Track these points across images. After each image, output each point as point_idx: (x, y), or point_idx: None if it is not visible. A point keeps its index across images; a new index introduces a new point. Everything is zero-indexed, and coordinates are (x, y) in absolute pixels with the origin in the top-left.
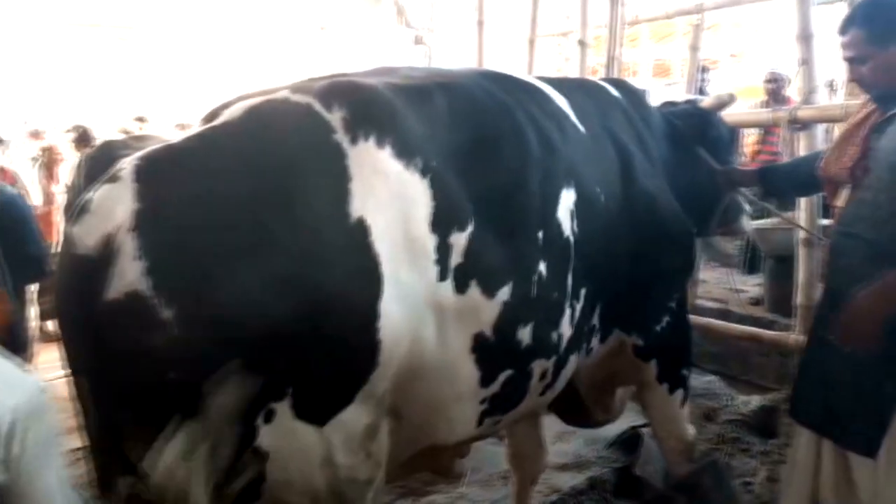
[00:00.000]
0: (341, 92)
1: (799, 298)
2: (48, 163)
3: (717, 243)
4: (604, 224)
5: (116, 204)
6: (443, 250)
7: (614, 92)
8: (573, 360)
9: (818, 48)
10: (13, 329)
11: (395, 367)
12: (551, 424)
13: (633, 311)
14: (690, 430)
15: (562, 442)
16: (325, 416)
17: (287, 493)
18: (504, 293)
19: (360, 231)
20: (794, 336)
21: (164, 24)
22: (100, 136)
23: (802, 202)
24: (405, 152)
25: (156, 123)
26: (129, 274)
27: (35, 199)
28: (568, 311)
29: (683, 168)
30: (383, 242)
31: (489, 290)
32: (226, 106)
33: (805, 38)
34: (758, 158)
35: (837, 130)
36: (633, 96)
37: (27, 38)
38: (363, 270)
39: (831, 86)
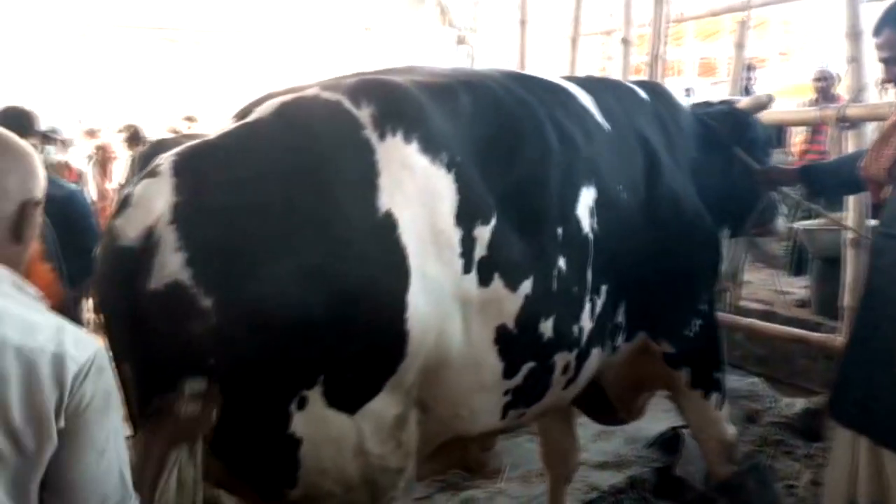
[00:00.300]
0: (370, 89)
1: (846, 300)
2: (102, 161)
3: (762, 244)
4: (625, 222)
5: (156, 197)
6: (467, 243)
7: (643, 94)
8: (596, 355)
9: (867, 46)
10: (67, 314)
11: (422, 358)
12: (591, 423)
13: (661, 315)
14: (731, 431)
15: (601, 440)
16: (356, 405)
17: (321, 480)
18: (526, 286)
19: (388, 225)
20: (841, 339)
21: (214, 26)
22: (150, 135)
23: (850, 202)
24: (431, 147)
25: (205, 123)
26: (171, 265)
27: (91, 195)
28: (588, 306)
29: (716, 169)
30: (410, 236)
31: (512, 283)
32: (257, 103)
33: (854, 35)
34: (805, 158)
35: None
36: (663, 98)
37: (80, 39)
38: (391, 263)
39: (882, 84)
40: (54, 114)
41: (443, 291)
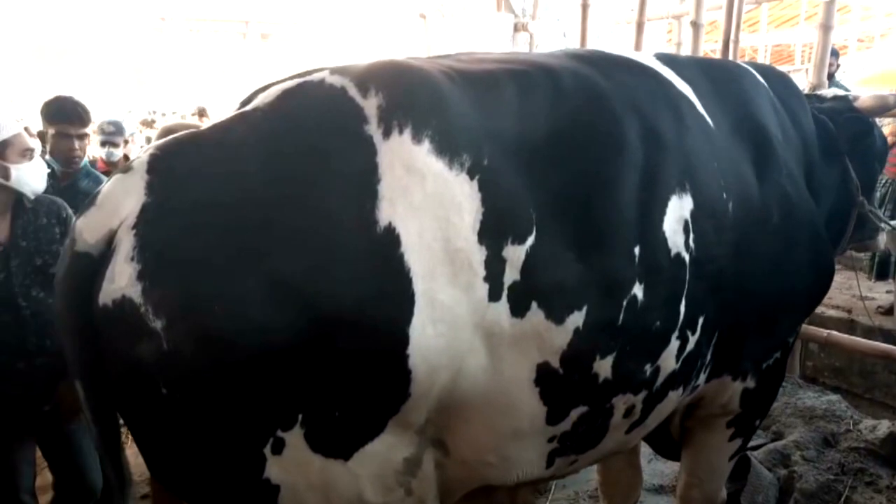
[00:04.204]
0: (381, 75)
1: None
2: None
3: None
4: (733, 240)
5: (124, 197)
6: (494, 265)
7: (759, 78)
8: (673, 398)
9: None
10: None
11: (434, 397)
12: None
13: (751, 348)
14: (723, 495)
15: (658, 461)
16: (350, 449)
17: None
18: (576, 318)
19: (388, 240)
20: None
21: (265, 18)
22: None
23: None
24: (448, 148)
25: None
26: (121, 277)
27: None
28: (676, 343)
29: (831, 178)
30: (416, 254)
31: (556, 314)
32: (263, 89)
33: None
34: (892, 151)
35: None
36: (783, 85)
37: (152, 32)
38: (390, 287)
39: None
40: (111, 104)
41: (459, 321)
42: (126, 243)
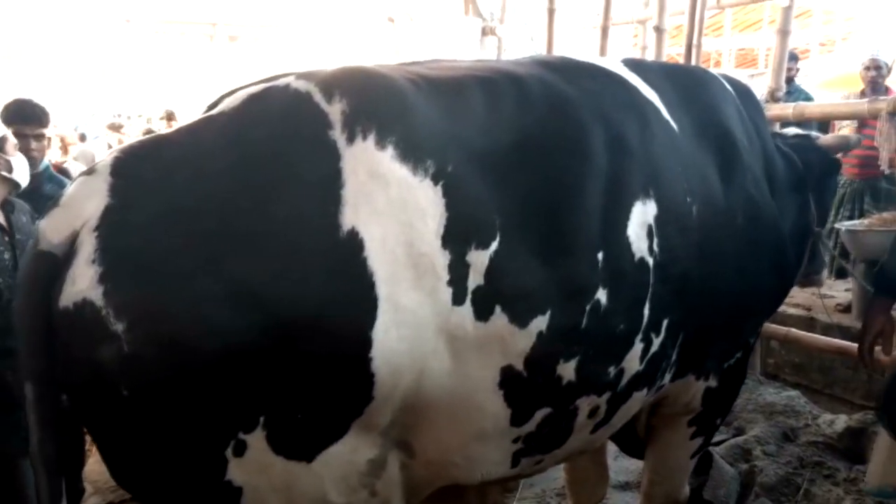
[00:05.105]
0: (347, 81)
1: None
2: None
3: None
4: (697, 243)
5: (88, 198)
6: (458, 269)
7: (726, 84)
8: (638, 398)
9: None
10: None
11: (398, 400)
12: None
13: (714, 348)
14: (686, 491)
15: (624, 458)
16: (313, 451)
17: None
18: (540, 322)
19: (351, 245)
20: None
21: (233, 20)
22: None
23: None
24: (412, 154)
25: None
26: (83, 279)
27: None
28: (640, 346)
29: (792, 205)
30: (379, 259)
31: (520, 318)
32: (229, 94)
33: None
34: (851, 153)
35: None
36: (747, 97)
37: (117, 34)
38: (353, 291)
39: None
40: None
41: (423, 325)
42: (88, 245)
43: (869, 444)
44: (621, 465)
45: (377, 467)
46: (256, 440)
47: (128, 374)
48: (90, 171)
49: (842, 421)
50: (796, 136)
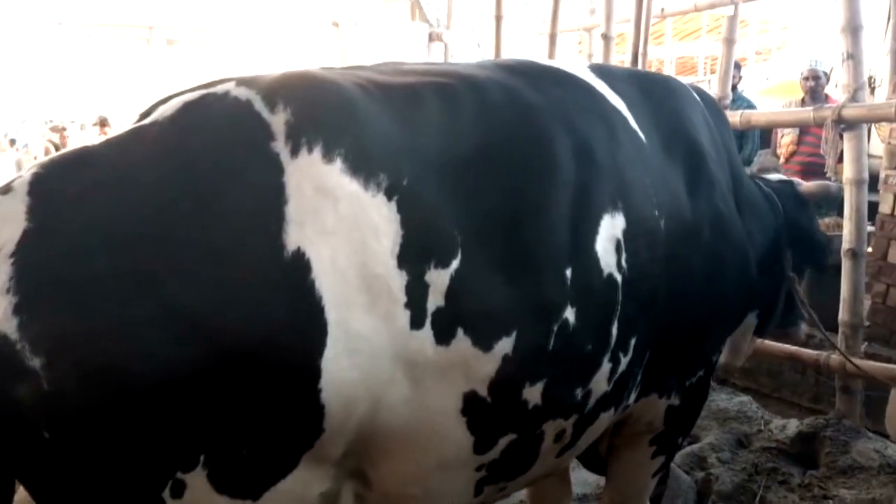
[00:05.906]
0: (291, 87)
1: (842, 315)
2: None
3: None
4: (664, 257)
5: (3, 223)
6: (416, 291)
7: (695, 95)
8: (605, 419)
9: (865, 41)
10: None
11: (352, 430)
12: None
13: (678, 367)
14: None
15: (581, 470)
16: (260, 488)
17: None
18: (504, 345)
19: (297, 266)
20: (836, 356)
21: (171, 23)
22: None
23: (847, 207)
24: (363, 168)
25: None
26: None
27: None
28: (608, 366)
29: (761, 240)
30: (329, 282)
31: (483, 341)
32: (163, 101)
33: (852, 30)
34: (793, 160)
35: (880, 131)
36: (715, 112)
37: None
38: (299, 316)
39: (870, 83)
40: (4, 113)
41: (378, 352)
42: (2, 274)
43: (822, 448)
44: (580, 477)
45: (330, 500)
46: (197, 479)
47: (48, 414)
48: (6, 190)
49: (793, 426)
50: (779, 181)
